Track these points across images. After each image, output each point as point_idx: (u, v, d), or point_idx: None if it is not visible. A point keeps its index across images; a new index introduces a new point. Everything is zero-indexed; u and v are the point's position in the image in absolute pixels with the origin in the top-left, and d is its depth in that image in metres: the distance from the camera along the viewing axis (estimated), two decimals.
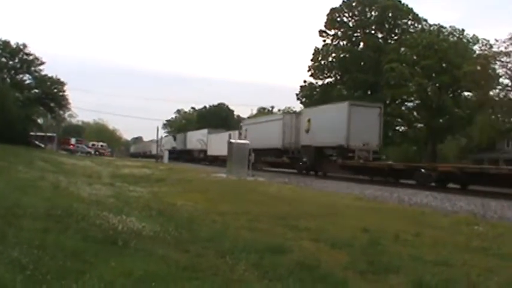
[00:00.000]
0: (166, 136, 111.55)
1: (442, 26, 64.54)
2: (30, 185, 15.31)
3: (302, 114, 40.01)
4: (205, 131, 70.71)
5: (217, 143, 57.96)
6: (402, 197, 19.17)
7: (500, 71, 51.98)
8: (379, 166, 30.50)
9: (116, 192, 16.27)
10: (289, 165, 41.12)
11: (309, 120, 36.83)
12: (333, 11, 69.34)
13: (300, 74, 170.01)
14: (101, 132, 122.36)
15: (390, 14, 67.18)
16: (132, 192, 16.91)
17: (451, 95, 59.98)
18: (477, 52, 58.20)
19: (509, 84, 51.81)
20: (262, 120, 50.65)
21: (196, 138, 73.31)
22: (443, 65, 58.19)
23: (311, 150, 36.25)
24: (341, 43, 70.42)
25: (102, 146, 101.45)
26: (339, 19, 69.51)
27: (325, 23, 70.21)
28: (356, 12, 68.84)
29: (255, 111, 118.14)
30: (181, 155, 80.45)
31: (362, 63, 67.22)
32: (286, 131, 40.30)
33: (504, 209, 15.44)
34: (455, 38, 61.82)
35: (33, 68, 69.97)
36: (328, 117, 34.50)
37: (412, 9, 67.22)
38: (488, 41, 55.77)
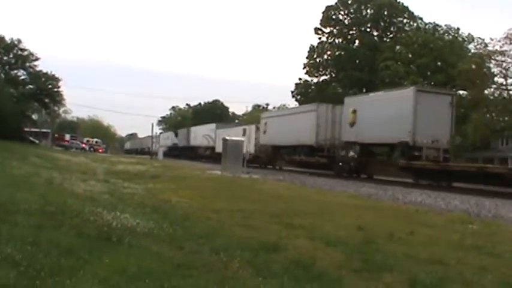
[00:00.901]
0: (163, 132, 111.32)
1: (437, 25, 64.81)
2: (24, 181, 15.23)
3: (344, 105, 33.12)
4: (212, 125, 64.46)
5: None
6: (396, 195, 19.21)
7: (495, 70, 52.29)
8: (468, 169, 24.96)
9: (110, 189, 16.22)
10: (325, 166, 35.42)
11: (354, 112, 30.86)
12: (328, 8, 69.39)
13: (295, 72, 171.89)
14: (96, 129, 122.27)
15: (386, 12, 67.28)
16: (126, 189, 16.85)
17: None
18: (472, 51, 58.50)
19: (504, 83, 52.02)
20: (288, 113, 44.90)
21: (202, 134, 66.77)
22: (439, 63, 58.39)
23: (356, 148, 31.29)
24: (336, 41, 70.50)
25: (96, 142, 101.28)
26: (334, 17, 69.58)
27: (321, 20, 70.30)
28: (351, 10, 68.93)
29: (250, 109, 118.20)
30: (183, 152, 76.47)
31: (357, 61, 67.32)
32: (321, 125, 34.80)
33: (498, 208, 15.48)
34: (450, 37, 62.02)
35: (27, 64, 69.76)
36: (384, 108, 28.44)
37: (407, 7, 67.45)
38: (483, 39, 56.06)
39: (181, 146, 78.93)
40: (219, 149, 52.00)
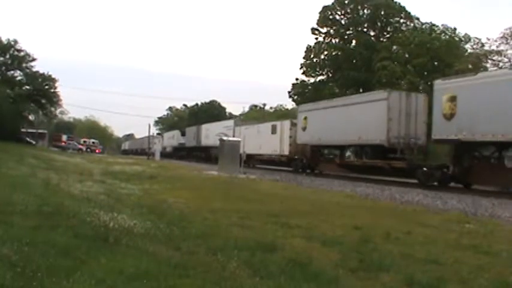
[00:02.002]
0: (160, 132, 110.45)
1: (434, 25, 64.68)
2: (20, 182, 15.19)
3: (435, 90, 24.61)
4: (230, 122, 58.15)
5: (251, 137, 42.91)
6: (394, 195, 19.24)
7: (492, 69, 52.16)
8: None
9: (107, 190, 16.21)
10: (400, 171, 27.81)
11: (452, 99, 22.96)
12: (325, 8, 69.33)
13: (292, 72, 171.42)
14: (93, 129, 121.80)
15: (382, 12, 67.26)
16: (123, 190, 16.86)
17: None
18: (469, 51, 58.36)
19: None
20: (341, 103, 33.37)
21: (216, 132, 56.40)
22: (435, 63, 58.31)
23: (454, 148, 24.36)
24: (333, 41, 70.42)
25: (93, 143, 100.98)
26: (331, 17, 69.52)
27: (318, 20, 70.22)
28: (348, 10, 68.89)
29: (247, 109, 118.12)
30: (192, 153, 69.14)
31: (354, 61, 67.27)
32: (394, 118, 27.22)
33: (495, 207, 15.53)
34: (447, 37, 61.89)
35: (24, 65, 69.51)
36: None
37: (404, 7, 67.36)
38: (480, 39, 56.03)
39: (189, 146, 70.61)
40: (247, 149, 42.83)
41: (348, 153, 31.90)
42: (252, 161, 45.08)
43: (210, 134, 59.52)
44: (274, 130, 41.31)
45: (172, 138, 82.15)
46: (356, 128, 29.53)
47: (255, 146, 42.47)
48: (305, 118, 36.42)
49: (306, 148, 37.31)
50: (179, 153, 74.49)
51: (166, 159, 65.26)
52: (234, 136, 47.70)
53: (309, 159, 37.44)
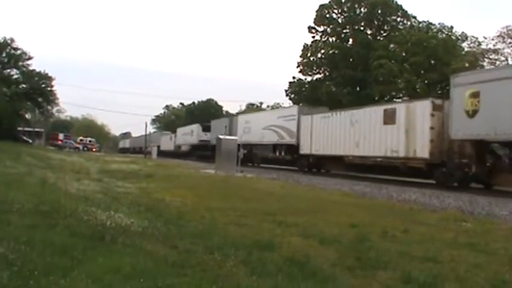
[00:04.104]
0: (157, 130, 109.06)
1: (431, 23, 64.85)
2: (17, 181, 15.18)
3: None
4: (291, 109, 40.70)
5: (333, 130, 31.73)
6: (391, 193, 19.24)
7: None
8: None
9: (104, 188, 16.21)
10: None
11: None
12: (322, 7, 69.26)
13: (288, 71, 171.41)
14: (89, 128, 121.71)
15: (379, 11, 67.22)
16: (120, 188, 16.86)
17: (439, 91, 60.20)
18: (466, 49, 58.58)
19: None
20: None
21: (265, 125, 42.38)
22: (432, 62, 58.37)
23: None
24: (330, 39, 70.36)
25: (90, 141, 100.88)
26: (328, 15, 69.45)
27: (314, 19, 70.15)
28: (345, 9, 68.82)
29: (243, 107, 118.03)
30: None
31: (351, 60, 67.22)
32: None
33: (492, 206, 15.53)
34: (444, 35, 62.01)
35: (20, 63, 69.31)
36: None
37: (401, 6, 67.33)
38: (477, 38, 56.32)
39: (214, 143, 48.73)
40: (314, 147, 33.98)
41: None
42: (330, 165, 34.32)
43: (254, 127, 45.30)
44: (390, 118, 26.36)
45: (190, 134, 67.35)
46: None
47: (341, 143, 30.53)
48: (474, 95, 21.38)
49: (466, 147, 23.06)
50: (201, 152, 58.89)
51: (167, 159, 64.24)
52: (299, 129, 35.92)
53: (476, 164, 22.61)
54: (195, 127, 65.89)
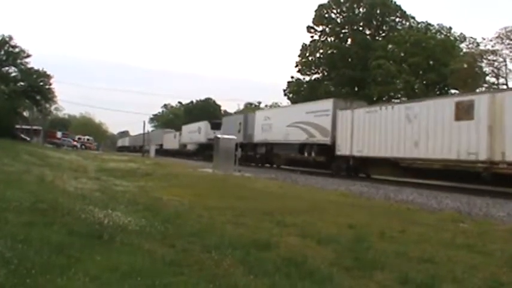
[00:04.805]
0: (154, 128, 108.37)
1: (429, 24, 65.03)
2: (15, 179, 15.17)
3: None
4: (327, 103, 33.49)
5: (380, 127, 26.98)
6: (388, 194, 19.25)
7: (487, 69, 52.41)
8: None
9: (102, 187, 16.19)
10: None
11: None
12: (321, 7, 69.34)
13: (287, 71, 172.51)
14: (87, 126, 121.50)
15: (378, 11, 67.36)
16: (118, 187, 16.84)
17: (438, 92, 60.32)
18: (464, 50, 58.63)
19: (496, 82, 52.16)
20: None
21: (292, 122, 36.52)
22: (431, 62, 58.48)
23: None
24: (329, 39, 70.44)
25: (88, 139, 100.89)
26: (327, 15, 69.52)
27: (313, 19, 70.22)
28: (344, 9, 68.89)
29: (242, 107, 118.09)
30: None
31: (349, 60, 67.29)
32: None
33: (489, 207, 15.56)
34: (442, 36, 62.14)
35: (19, 61, 69.12)
36: None
37: (400, 6, 67.49)
38: (475, 39, 56.36)
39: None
40: (344, 148, 29.76)
41: None
42: (377, 168, 29.20)
43: (275, 124, 39.68)
44: (466, 112, 21.57)
45: (198, 132, 61.58)
46: None
47: (394, 142, 25.82)
48: None
49: None
50: (210, 152, 44.11)
51: (165, 158, 63.26)
52: (334, 126, 30.97)
53: None
54: (203, 124, 60.51)
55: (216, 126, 54.08)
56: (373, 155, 27.36)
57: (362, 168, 30.24)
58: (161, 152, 74.25)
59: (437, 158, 22.98)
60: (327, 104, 33.06)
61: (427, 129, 23.46)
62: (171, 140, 76.18)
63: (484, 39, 51.97)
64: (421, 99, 27.37)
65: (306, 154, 34.46)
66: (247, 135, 44.89)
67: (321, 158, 33.11)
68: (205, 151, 56.17)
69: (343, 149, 29.95)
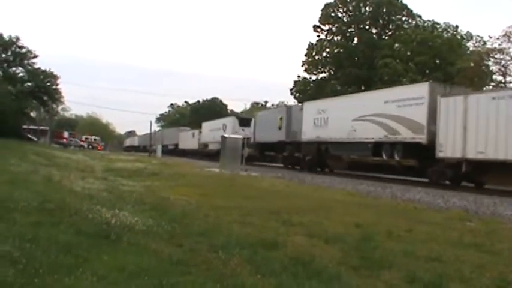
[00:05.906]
0: (163, 127, 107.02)
1: (436, 22, 64.73)
2: (22, 179, 15.20)
3: None
4: (421, 88, 25.03)
5: None
6: (395, 193, 19.19)
7: (494, 67, 52.13)
8: None
9: (109, 186, 16.21)
10: None
11: None
12: (327, 6, 69.21)
13: (293, 70, 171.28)
14: (94, 126, 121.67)
15: (384, 10, 67.15)
16: (125, 187, 16.85)
17: None
18: (471, 49, 58.44)
19: (503, 80, 51.93)
20: None
21: (361, 114, 28.51)
22: (437, 61, 58.23)
23: None
24: (335, 38, 70.30)
25: (95, 139, 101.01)
26: (333, 14, 69.37)
27: (320, 18, 70.08)
28: (350, 8, 68.73)
29: (248, 106, 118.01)
30: (264, 152, 43.87)
31: (356, 59, 67.17)
32: None
33: (496, 206, 15.48)
34: (449, 35, 61.90)
35: (26, 61, 69.34)
36: None
37: (406, 5, 67.26)
38: (482, 37, 56.12)
39: (264, 141, 42.22)
40: (451, 149, 21.86)
41: None
42: (505, 177, 20.00)
43: (334, 117, 31.65)
44: None
45: (222, 129, 51.35)
46: None
47: None
48: None
49: None
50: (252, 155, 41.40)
51: (172, 157, 62.41)
52: (433, 119, 22.89)
53: None
54: (229, 120, 53.20)
55: (244, 122, 48.83)
56: (503, 157, 19.35)
57: (476, 175, 22.11)
58: (177, 152, 69.56)
59: None
60: (420, 89, 24.94)
61: None
62: (188, 139, 68.83)
63: (491, 37, 51.74)
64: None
65: (384, 156, 26.61)
66: (290, 133, 37.11)
67: (409, 162, 25.36)
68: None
69: (449, 149, 22.08)
